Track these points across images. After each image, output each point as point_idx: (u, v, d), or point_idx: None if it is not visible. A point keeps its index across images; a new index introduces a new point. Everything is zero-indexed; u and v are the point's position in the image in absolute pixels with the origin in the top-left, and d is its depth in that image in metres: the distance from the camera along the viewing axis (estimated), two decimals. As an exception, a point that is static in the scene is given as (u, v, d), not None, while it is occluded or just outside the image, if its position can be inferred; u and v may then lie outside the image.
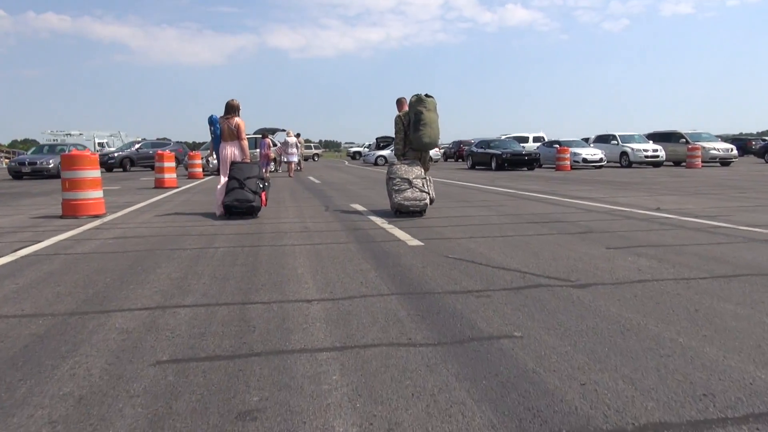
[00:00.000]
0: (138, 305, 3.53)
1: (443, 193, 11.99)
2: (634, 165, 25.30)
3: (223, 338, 2.89)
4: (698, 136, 26.34)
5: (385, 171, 8.27)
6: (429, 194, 7.84)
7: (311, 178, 19.89)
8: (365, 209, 8.96)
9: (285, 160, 22.86)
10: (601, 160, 24.73)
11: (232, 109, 8.31)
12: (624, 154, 25.41)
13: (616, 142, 26.10)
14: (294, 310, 3.37)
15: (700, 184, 13.46)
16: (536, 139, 35.51)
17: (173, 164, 15.20)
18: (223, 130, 8.28)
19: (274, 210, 9.09)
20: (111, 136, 63.35)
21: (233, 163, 8.18)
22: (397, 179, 7.77)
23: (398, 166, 7.93)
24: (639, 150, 24.92)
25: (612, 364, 2.48)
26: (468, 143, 44.10)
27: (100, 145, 55.07)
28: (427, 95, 8.22)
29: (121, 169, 28.94)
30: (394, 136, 8.77)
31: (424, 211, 7.86)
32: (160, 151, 15.77)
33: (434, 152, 36.53)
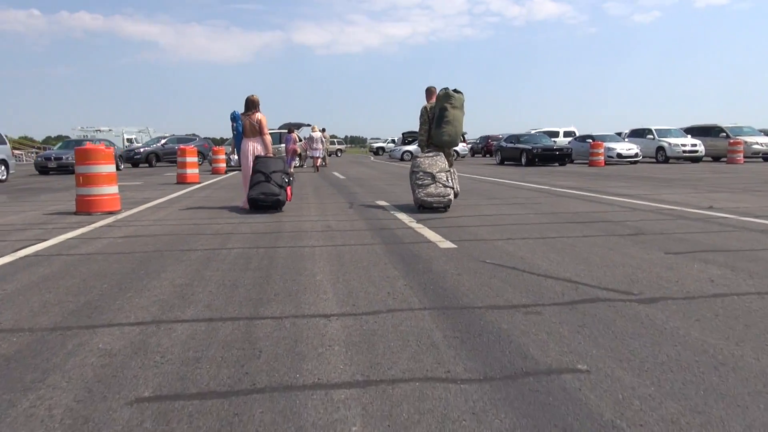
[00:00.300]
0: (131, 319, 3.06)
1: (473, 189, 11.39)
2: (671, 160, 24.26)
3: (222, 366, 2.39)
4: (739, 130, 25.13)
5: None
6: (453, 188, 7.57)
7: (336, 173, 19.44)
8: (392, 206, 8.42)
9: (310, 155, 22.65)
10: (636, 155, 23.74)
11: (252, 104, 8.21)
12: (661, 148, 24.37)
13: (652, 136, 25.05)
14: (309, 329, 2.86)
15: (748, 181, 12.58)
16: (567, 134, 34.48)
17: (195, 159, 14.89)
18: (245, 126, 8.19)
19: (296, 207, 8.62)
20: (140, 132, 64.14)
21: (257, 157, 8.05)
22: (421, 173, 7.48)
23: (422, 159, 7.65)
24: (677, 144, 23.87)
25: (716, 417, 1.91)
26: (496, 138, 43.22)
27: (129, 140, 55.69)
28: (456, 90, 7.92)
29: (147, 165, 28.96)
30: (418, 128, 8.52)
31: (448, 206, 7.58)
32: (182, 146, 15.47)
33: (461, 147, 35.91)
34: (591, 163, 22.30)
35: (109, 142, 26.08)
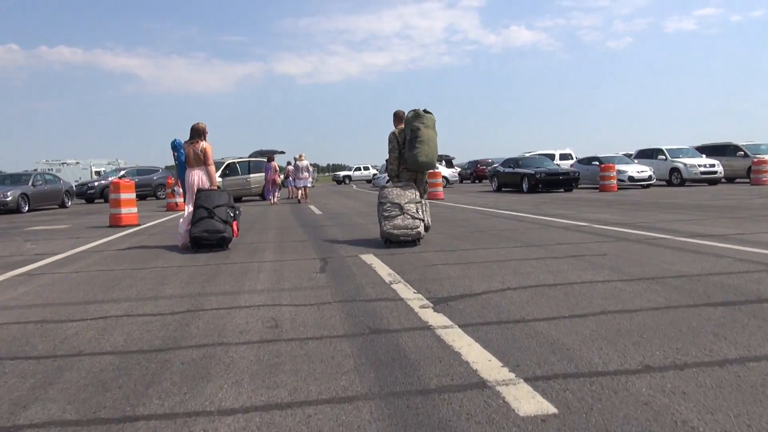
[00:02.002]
0: None
1: (491, 228, 8.59)
2: (687, 183, 21.82)
3: None
4: (757, 148, 22.90)
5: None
6: (423, 221, 7.05)
7: (312, 207, 16.57)
8: (384, 266, 5.55)
9: (296, 185, 20.74)
10: (650, 177, 21.27)
11: (197, 132, 7.73)
12: (675, 170, 21.93)
13: (664, 157, 22.64)
14: None
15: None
16: (563, 156, 32.15)
17: (132, 195, 11.91)
18: (188, 155, 7.65)
19: (241, 267, 5.74)
20: (109, 164, 61.06)
21: (200, 190, 7.45)
22: (388, 204, 6.98)
23: (390, 189, 7.12)
24: (693, 165, 21.46)
25: None
26: (485, 162, 40.83)
27: (97, 173, 52.71)
28: (425, 110, 7.39)
29: (102, 200, 25.85)
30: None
31: (418, 240, 6.98)
32: (115, 179, 12.49)
33: (450, 173, 33.34)
34: (602, 188, 19.74)
35: (53, 176, 22.96)
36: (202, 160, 7.61)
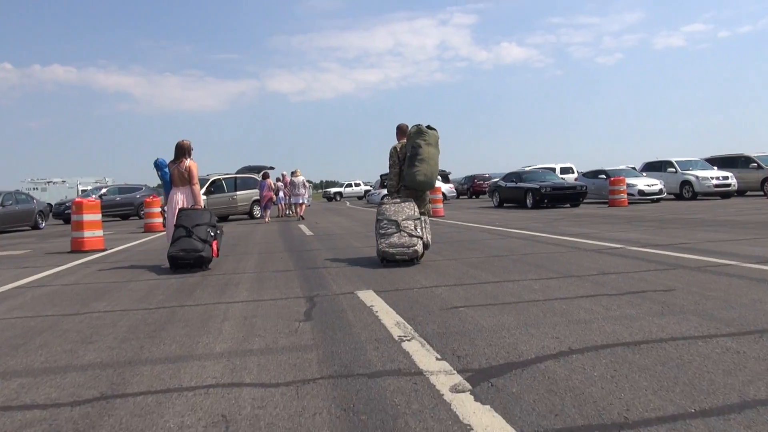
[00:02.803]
0: None
1: (510, 252, 7.29)
2: (699, 196, 20.67)
3: None
4: (769, 160, 21.82)
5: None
6: (422, 238, 6.67)
7: (302, 227, 15.24)
8: (391, 312, 4.24)
9: (293, 201, 20.51)
10: (660, 191, 20.11)
11: (182, 150, 7.51)
12: (687, 183, 20.79)
13: (674, 169, 21.51)
14: None
15: None
16: (564, 170, 31.02)
17: (97, 217, 10.56)
18: (173, 174, 7.51)
19: (198, 317, 4.39)
20: (96, 182, 59.67)
21: (180, 210, 7.24)
22: (385, 221, 6.71)
23: (387, 206, 6.84)
24: (705, 178, 20.33)
25: None
26: (482, 177, 39.71)
27: (84, 192, 51.29)
28: (429, 127, 7.07)
29: (81, 220, 24.40)
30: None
31: (416, 259, 6.59)
32: (78, 200, 11.12)
33: (447, 188, 32.13)
34: (612, 203, 18.53)
35: (27, 196, 21.55)
36: (186, 179, 7.40)
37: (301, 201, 19.91)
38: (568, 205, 19.57)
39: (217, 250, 7.19)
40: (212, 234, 7.07)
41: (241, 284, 5.80)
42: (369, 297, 4.75)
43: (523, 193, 19.92)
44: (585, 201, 20.77)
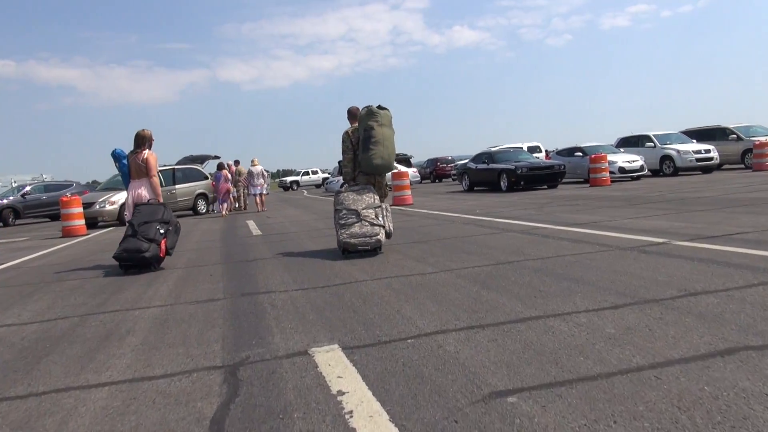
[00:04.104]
0: None
1: (520, 250, 5.37)
2: (680, 172, 19.38)
3: None
4: (747, 130, 20.74)
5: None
6: (384, 227, 6.31)
7: (250, 222, 13.05)
8: (374, 403, 2.24)
9: (251, 192, 18.90)
10: (641, 168, 18.71)
11: (141, 140, 7.08)
12: (667, 158, 19.45)
13: (652, 144, 20.14)
14: None
15: None
16: (530, 149, 29.48)
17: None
18: (131, 166, 7.08)
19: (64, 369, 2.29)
20: (33, 179, 55.47)
21: (136, 206, 6.83)
22: (344, 210, 6.33)
23: (345, 195, 6.48)
24: (687, 152, 19.02)
25: None
26: (445, 160, 37.95)
27: (19, 190, 47.41)
28: (380, 107, 6.64)
29: (1, 224, 21.52)
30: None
31: (378, 248, 6.21)
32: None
33: (412, 173, 30.22)
34: (593, 182, 16.99)
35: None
36: (144, 172, 7.02)
37: (259, 191, 18.51)
38: (545, 187, 17.95)
39: (167, 248, 6.61)
40: (162, 231, 6.53)
41: (132, 335, 3.70)
42: (334, 362, 2.76)
43: (496, 175, 18.17)
44: (566, 181, 19.24)
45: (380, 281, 4.76)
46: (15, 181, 52.11)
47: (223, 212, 17.16)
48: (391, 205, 15.75)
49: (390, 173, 21.65)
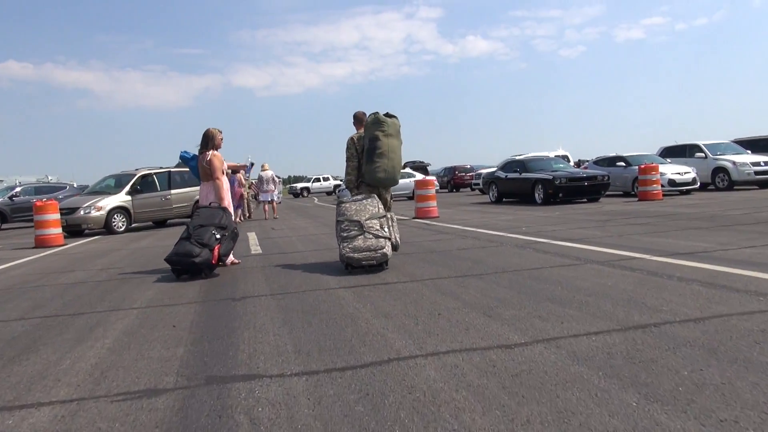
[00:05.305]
0: None
1: (628, 298, 3.41)
2: (736, 186, 17.31)
3: None
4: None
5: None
6: (390, 239, 5.81)
7: (251, 235, 11.17)
8: None
9: (261, 199, 18.01)
10: (694, 181, 16.66)
11: (204, 140, 6.77)
12: (721, 170, 17.41)
13: (703, 154, 18.10)
14: None
15: None
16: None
17: None
18: (199, 168, 6.82)
19: None
20: (38, 181, 54.33)
21: (197, 208, 6.62)
22: (346, 222, 5.84)
23: (347, 205, 5.96)
24: (744, 164, 16.97)
25: None
26: (463, 169, 35.94)
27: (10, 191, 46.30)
28: (388, 114, 6.25)
29: (-13, 226, 19.88)
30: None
31: (385, 263, 5.74)
32: None
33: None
34: (643, 196, 14.97)
35: None
36: (209, 174, 6.67)
37: (270, 198, 17.28)
38: (585, 200, 15.96)
39: (220, 255, 6.16)
40: (217, 236, 6.13)
41: None
42: None
43: (530, 186, 16.20)
44: (607, 194, 17.21)
45: (440, 361, 2.83)
46: (20, 182, 50.95)
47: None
48: (414, 218, 13.93)
49: (413, 181, 19.76)
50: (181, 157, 7.28)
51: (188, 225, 6.31)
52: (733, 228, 7.61)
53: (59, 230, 12.03)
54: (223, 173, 6.75)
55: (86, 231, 14.68)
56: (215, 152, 6.76)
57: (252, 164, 8.06)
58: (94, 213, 14.26)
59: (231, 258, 6.79)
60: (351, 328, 3.60)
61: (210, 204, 6.61)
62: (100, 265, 7.95)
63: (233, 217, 6.90)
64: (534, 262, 5.73)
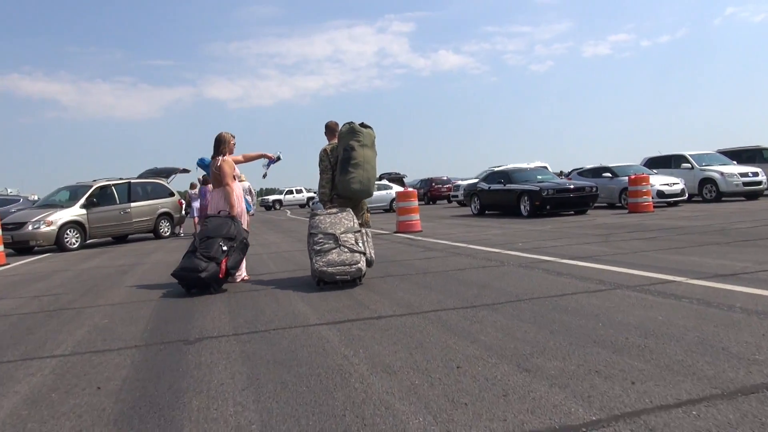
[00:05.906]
0: None
1: (676, 335, 2.52)
2: (723, 198, 16.86)
3: None
4: (788, 153, 18.40)
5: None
6: (365, 254, 5.57)
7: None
8: None
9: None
10: (682, 192, 16.13)
11: (215, 145, 6.40)
12: (709, 182, 16.94)
13: (689, 165, 17.62)
14: None
15: None
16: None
17: None
18: (211, 174, 6.60)
19: None
20: (-4, 194, 51.65)
21: (206, 218, 6.28)
22: (320, 235, 5.59)
23: (321, 217, 5.74)
24: (732, 175, 16.53)
25: None
26: (440, 180, 35.19)
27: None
28: (363, 125, 5.99)
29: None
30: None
31: (359, 279, 5.47)
32: None
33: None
34: (633, 208, 14.32)
35: None
36: (220, 180, 6.30)
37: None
38: (572, 213, 15.26)
39: (228, 268, 5.69)
40: (224, 249, 5.69)
41: None
42: None
43: (515, 198, 15.43)
44: (594, 206, 16.56)
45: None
46: (-23, 195, 48.34)
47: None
48: (395, 232, 13.02)
49: (394, 192, 18.79)
50: (200, 164, 7.44)
51: (195, 237, 6.02)
52: (756, 243, 6.87)
53: (0, 248, 10.74)
54: (234, 179, 6.38)
55: (35, 248, 13.35)
56: (225, 158, 6.38)
57: (279, 158, 6.87)
58: (43, 228, 12.95)
59: (242, 273, 6.41)
60: (341, 391, 2.62)
61: (219, 212, 6.25)
62: (36, 290, 6.80)
63: (243, 224, 6.18)
64: (551, 288, 4.83)
